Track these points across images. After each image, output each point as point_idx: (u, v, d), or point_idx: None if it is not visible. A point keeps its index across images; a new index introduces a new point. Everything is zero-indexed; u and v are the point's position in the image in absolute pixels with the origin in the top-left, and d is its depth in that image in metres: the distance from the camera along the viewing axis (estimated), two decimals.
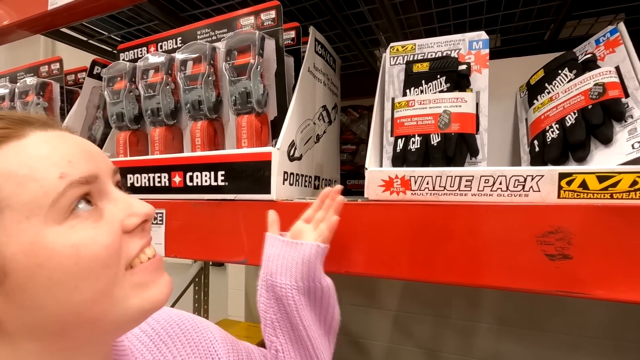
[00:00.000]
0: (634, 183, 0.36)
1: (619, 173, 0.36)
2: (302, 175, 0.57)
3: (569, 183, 0.38)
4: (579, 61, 0.48)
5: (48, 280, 0.26)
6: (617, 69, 0.43)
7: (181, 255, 0.57)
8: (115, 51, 1.03)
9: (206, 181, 0.54)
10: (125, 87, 0.64)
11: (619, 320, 1.29)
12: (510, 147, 0.60)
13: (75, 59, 1.08)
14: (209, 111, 0.57)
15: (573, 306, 1.35)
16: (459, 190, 0.43)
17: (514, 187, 0.40)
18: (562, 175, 0.38)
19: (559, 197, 0.39)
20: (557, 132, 0.45)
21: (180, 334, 0.44)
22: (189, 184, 0.56)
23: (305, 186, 0.59)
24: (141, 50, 0.67)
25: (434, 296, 1.58)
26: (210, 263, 1.78)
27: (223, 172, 0.53)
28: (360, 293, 1.70)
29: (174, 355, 0.42)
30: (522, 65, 0.61)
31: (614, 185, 0.37)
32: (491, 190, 0.41)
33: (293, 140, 0.54)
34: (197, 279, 1.59)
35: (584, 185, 0.38)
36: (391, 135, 0.53)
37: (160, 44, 0.66)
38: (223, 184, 0.53)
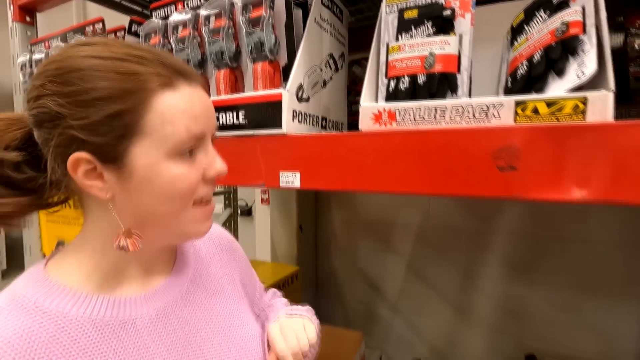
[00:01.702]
0: (576, 107, 0.43)
1: (563, 99, 0.44)
2: (310, 115, 0.67)
3: (523, 109, 0.46)
4: (554, 2, 0.53)
5: (150, 190, 0.39)
6: (583, 8, 0.49)
7: None
8: (144, 11, 1.13)
9: (230, 120, 0.65)
10: (159, 42, 0.75)
11: (623, 266, 1.35)
12: (496, 86, 0.67)
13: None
14: (230, 60, 0.67)
15: (579, 251, 1.42)
16: (435, 120, 0.51)
17: (479, 115, 0.49)
18: (517, 103, 0.46)
19: (515, 121, 0.47)
20: (526, 68, 0.51)
21: (227, 246, 0.60)
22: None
23: (313, 125, 0.68)
24: (171, 8, 0.77)
25: (445, 241, 1.68)
26: (239, 212, 1.95)
27: (243, 112, 0.64)
28: (377, 239, 1.83)
29: (225, 258, 0.58)
30: (514, 9, 0.66)
31: (560, 110, 0.44)
32: (461, 118, 0.50)
33: (301, 84, 0.63)
34: (226, 224, 1.77)
35: (535, 110, 0.45)
36: (385, 77, 0.61)
37: (186, 1, 0.75)
38: (244, 122, 0.64)
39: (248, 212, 2.20)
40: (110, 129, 0.36)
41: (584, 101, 0.43)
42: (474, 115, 0.49)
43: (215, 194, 0.52)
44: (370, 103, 0.58)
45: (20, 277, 0.42)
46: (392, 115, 0.54)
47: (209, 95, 0.75)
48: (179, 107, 0.39)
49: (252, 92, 0.64)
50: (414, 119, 0.52)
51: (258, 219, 1.97)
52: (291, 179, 0.60)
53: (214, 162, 0.43)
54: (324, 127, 0.73)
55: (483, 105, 0.48)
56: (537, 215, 1.48)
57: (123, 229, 0.40)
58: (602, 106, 0.42)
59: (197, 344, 0.46)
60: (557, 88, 0.46)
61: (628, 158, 0.39)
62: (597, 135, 0.41)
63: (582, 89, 0.44)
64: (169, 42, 0.74)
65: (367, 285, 1.89)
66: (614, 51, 0.46)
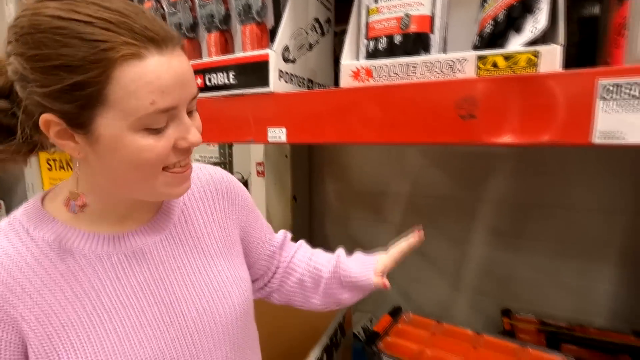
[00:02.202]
0: (529, 60, 0.48)
1: (518, 53, 0.48)
2: (296, 76, 0.71)
3: (484, 64, 0.51)
4: None
5: (118, 157, 0.40)
6: None
7: (206, 139, 0.75)
8: None
9: (221, 80, 0.70)
10: (152, 6, 0.78)
11: (601, 230, 1.42)
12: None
13: None
14: (220, 23, 0.71)
15: (561, 216, 1.49)
16: (407, 75, 0.56)
17: (446, 70, 0.53)
18: (479, 58, 0.51)
19: (477, 75, 0.52)
20: (491, 27, 0.56)
21: (225, 192, 0.60)
22: (208, 84, 0.72)
23: (299, 86, 0.73)
24: None
25: (434, 210, 1.75)
26: None
27: (233, 72, 0.68)
28: (369, 208, 1.90)
29: (218, 206, 0.58)
30: None
31: (515, 63, 0.49)
32: (430, 73, 0.55)
33: (287, 45, 0.67)
34: None
35: (494, 64, 0.50)
36: (366, 39, 0.65)
37: None
38: (234, 82, 0.69)
39: (244, 184, 2.25)
40: (72, 98, 0.36)
41: (536, 54, 0.47)
42: (441, 71, 0.54)
43: None
44: (349, 61, 0.62)
45: (22, 205, 0.47)
46: (369, 72, 0.59)
47: (201, 56, 0.79)
48: (144, 80, 0.37)
49: (241, 53, 0.68)
50: (389, 75, 0.57)
51: (254, 191, 2.03)
52: (278, 134, 0.65)
53: (187, 134, 0.42)
54: (310, 89, 0.77)
55: (449, 61, 0.53)
56: (522, 184, 1.54)
57: (75, 192, 0.43)
58: (552, 58, 0.47)
59: (170, 282, 0.48)
60: (515, 43, 0.51)
61: (575, 102, 0.45)
62: (546, 83, 0.46)
63: (536, 43, 0.49)
64: (162, 7, 0.77)
65: (359, 250, 1.97)
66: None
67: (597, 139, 0.44)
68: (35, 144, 0.44)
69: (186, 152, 0.43)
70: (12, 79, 0.39)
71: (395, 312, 1.02)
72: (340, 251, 0.71)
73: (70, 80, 0.35)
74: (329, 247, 2.10)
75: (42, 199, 0.47)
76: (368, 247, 2.01)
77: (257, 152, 2.00)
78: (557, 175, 1.45)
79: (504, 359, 0.81)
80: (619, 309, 1.42)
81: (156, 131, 0.40)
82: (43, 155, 1.33)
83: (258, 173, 2.04)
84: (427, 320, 0.99)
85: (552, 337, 1.10)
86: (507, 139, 0.48)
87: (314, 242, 2.13)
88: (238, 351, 0.53)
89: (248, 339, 0.57)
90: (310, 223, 2.08)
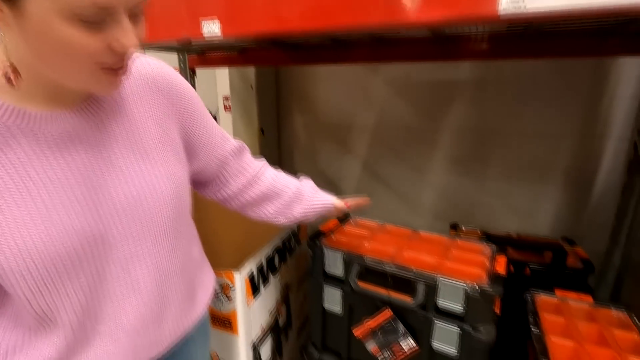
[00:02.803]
0: None
1: None
2: None
3: None
4: None
5: (46, 43, 0.38)
6: None
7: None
8: None
9: None
10: None
11: (550, 154, 1.51)
12: None
13: None
14: None
15: (514, 142, 1.56)
16: None
17: None
18: None
19: None
20: None
21: (166, 90, 0.57)
22: None
23: None
24: None
25: (397, 141, 1.79)
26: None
27: None
28: (336, 141, 1.93)
29: (157, 103, 0.56)
30: None
31: None
32: None
33: None
34: None
35: None
36: None
37: None
38: None
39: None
40: None
41: None
42: None
43: None
44: None
45: None
46: None
47: None
48: None
49: None
50: None
51: (222, 126, 2.01)
52: (212, 28, 0.64)
53: (123, 37, 0.40)
54: None
55: None
56: (479, 111, 1.59)
57: (8, 63, 0.42)
58: None
59: (100, 167, 0.48)
60: None
61: None
62: None
63: None
64: None
65: (327, 185, 2.02)
66: None
67: (502, 10, 0.46)
68: None
69: (121, 55, 0.42)
70: None
71: (344, 218, 1.09)
72: (304, 177, 0.76)
73: None
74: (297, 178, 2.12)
75: None
76: (334, 178, 2.06)
77: (223, 86, 1.95)
78: (510, 104, 1.51)
79: (433, 248, 0.90)
80: (558, 225, 1.56)
81: (90, 25, 0.38)
82: None
83: (225, 108, 2.01)
84: (371, 223, 1.06)
85: (489, 241, 1.21)
86: (425, 16, 0.50)
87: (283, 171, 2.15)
88: (171, 240, 0.55)
89: (180, 236, 0.58)
90: (279, 156, 2.11)
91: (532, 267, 1.17)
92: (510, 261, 1.19)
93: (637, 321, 0.88)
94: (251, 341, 0.93)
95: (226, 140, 0.69)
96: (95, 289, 0.49)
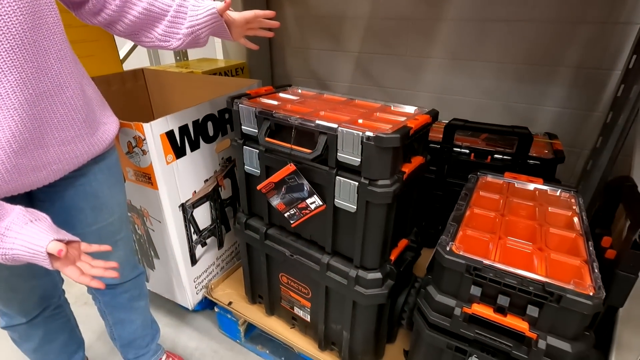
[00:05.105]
0: None
1: None
2: None
3: None
4: None
5: None
6: None
7: None
8: None
9: None
10: None
11: (537, 49, 1.30)
12: None
13: None
14: None
15: (501, 37, 1.36)
16: None
17: None
18: None
19: None
20: None
21: None
22: None
23: None
24: None
25: (392, 33, 1.61)
26: None
27: None
28: (328, 36, 1.76)
29: None
30: None
31: None
32: None
33: None
34: None
35: None
36: None
37: None
38: None
39: None
40: None
41: None
42: None
43: None
44: None
45: None
46: None
47: None
48: None
49: None
50: None
51: None
52: None
53: None
54: None
55: None
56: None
57: None
58: None
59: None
60: None
61: None
62: None
63: None
64: None
65: (319, 84, 1.92)
66: None
67: None
68: None
69: None
70: None
71: (283, 86, 1.01)
72: None
73: None
74: (290, 80, 2.09)
75: None
76: (327, 77, 1.95)
77: None
78: None
79: (358, 111, 0.82)
80: (544, 120, 1.40)
81: None
82: None
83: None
84: (310, 92, 0.98)
85: (451, 128, 1.09)
86: None
87: (275, 77, 2.10)
88: (32, 54, 0.52)
89: (45, 53, 0.54)
90: (271, 56, 1.99)
91: (496, 156, 1.06)
92: (473, 150, 1.08)
93: (581, 202, 0.77)
94: (178, 201, 0.94)
95: None
96: None
